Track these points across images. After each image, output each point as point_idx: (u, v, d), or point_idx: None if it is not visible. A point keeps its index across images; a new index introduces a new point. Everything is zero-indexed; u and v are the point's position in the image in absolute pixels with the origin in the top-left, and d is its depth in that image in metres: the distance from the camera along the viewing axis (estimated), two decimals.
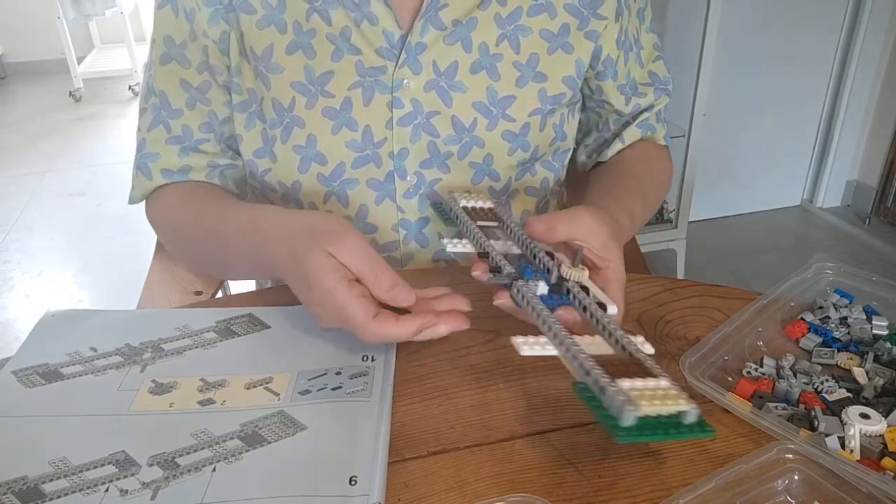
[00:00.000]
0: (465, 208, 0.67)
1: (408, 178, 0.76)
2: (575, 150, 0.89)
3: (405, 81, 0.72)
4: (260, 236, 0.63)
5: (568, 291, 0.56)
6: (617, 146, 0.84)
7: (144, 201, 0.81)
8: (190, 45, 0.73)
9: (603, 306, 0.54)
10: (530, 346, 0.50)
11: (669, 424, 0.44)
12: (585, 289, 0.55)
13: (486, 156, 0.77)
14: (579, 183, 0.91)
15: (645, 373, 0.47)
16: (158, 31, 0.74)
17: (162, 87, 0.75)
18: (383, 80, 0.72)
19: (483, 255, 0.60)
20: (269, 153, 0.75)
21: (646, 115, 0.83)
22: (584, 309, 0.54)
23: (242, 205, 0.76)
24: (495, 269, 0.58)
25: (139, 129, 0.78)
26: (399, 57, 0.71)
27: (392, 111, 0.73)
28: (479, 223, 0.64)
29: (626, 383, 0.45)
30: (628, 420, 0.43)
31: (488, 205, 0.68)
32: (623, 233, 0.66)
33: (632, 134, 0.83)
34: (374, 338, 0.55)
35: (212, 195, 0.77)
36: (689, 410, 0.44)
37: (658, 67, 0.84)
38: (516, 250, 0.62)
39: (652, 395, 0.44)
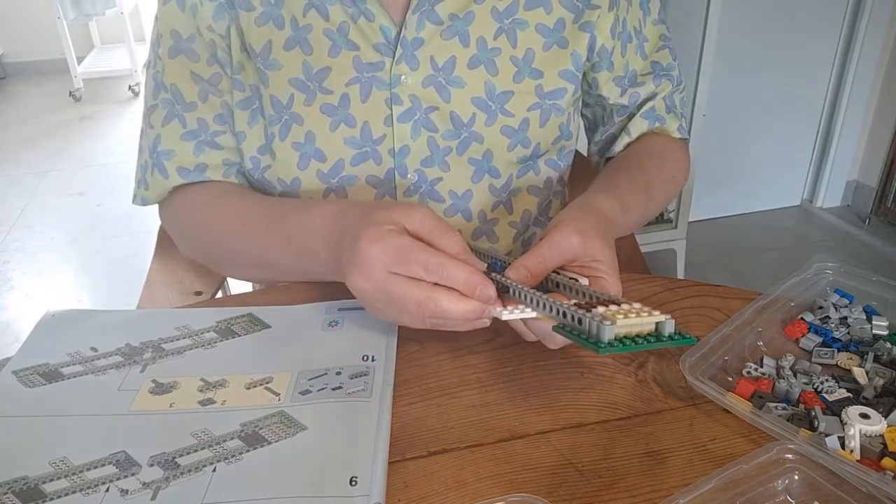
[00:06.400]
0: None
1: (408, 176, 0.76)
2: (587, 149, 0.88)
3: (403, 77, 0.72)
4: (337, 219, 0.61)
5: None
6: (624, 140, 0.82)
7: (158, 204, 0.80)
8: (197, 40, 0.73)
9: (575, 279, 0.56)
10: (510, 312, 0.53)
11: (649, 335, 0.47)
12: (557, 272, 0.58)
13: (486, 152, 0.76)
14: (583, 181, 0.90)
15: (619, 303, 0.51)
16: (165, 25, 0.74)
17: (173, 80, 0.74)
18: (381, 77, 0.72)
19: None
20: (268, 150, 0.75)
21: (650, 104, 0.81)
22: (558, 285, 0.56)
23: (300, 200, 0.72)
24: None
25: (151, 126, 0.76)
26: (395, 53, 0.71)
27: (391, 108, 0.73)
28: None
29: (600, 309, 0.48)
30: (607, 334, 0.46)
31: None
32: (614, 229, 0.64)
33: (638, 126, 0.82)
34: (433, 305, 0.53)
35: (252, 193, 0.76)
36: (666, 321, 0.47)
37: (662, 56, 0.82)
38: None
39: (627, 312, 0.48)
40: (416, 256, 0.53)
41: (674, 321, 0.48)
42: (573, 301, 0.52)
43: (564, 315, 0.50)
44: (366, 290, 0.55)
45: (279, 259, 0.67)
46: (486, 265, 0.60)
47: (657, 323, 0.48)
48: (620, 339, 0.46)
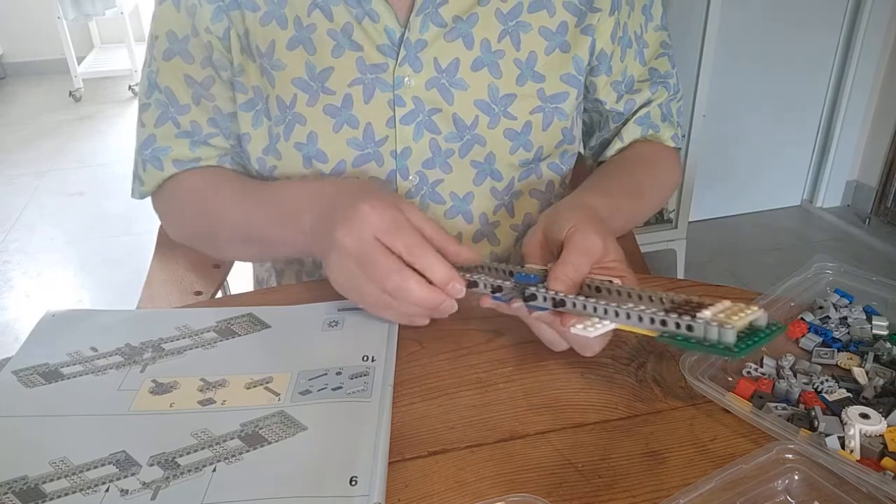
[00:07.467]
0: None
1: (410, 177, 0.76)
2: (581, 154, 0.88)
3: (406, 79, 0.72)
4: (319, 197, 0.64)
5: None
6: (616, 145, 0.82)
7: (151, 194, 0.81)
8: (192, 41, 0.73)
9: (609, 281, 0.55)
10: (584, 327, 0.51)
11: (754, 333, 0.47)
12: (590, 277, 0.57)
13: (488, 154, 0.76)
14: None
15: (701, 305, 0.49)
16: (160, 26, 0.74)
17: (167, 82, 0.75)
18: (384, 78, 0.72)
19: (473, 286, 0.60)
20: (273, 150, 0.75)
21: (644, 110, 0.81)
22: (598, 289, 0.55)
23: (291, 182, 0.75)
24: (496, 290, 0.59)
25: (144, 125, 0.77)
26: (398, 54, 0.71)
27: (394, 109, 0.73)
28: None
29: (705, 313, 0.47)
30: (731, 338, 0.45)
31: None
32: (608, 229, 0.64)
33: (631, 132, 0.82)
34: (401, 282, 0.56)
35: (243, 177, 0.78)
36: (760, 315, 0.47)
37: (660, 63, 0.82)
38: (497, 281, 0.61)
39: (730, 313, 0.47)
40: (404, 234, 0.56)
41: (766, 314, 0.47)
42: (647, 308, 0.50)
43: (664, 323, 0.48)
44: (346, 245, 0.57)
45: (265, 229, 0.69)
46: (511, 284, 0.58)
47: (752, 319, 0.47)
48: (742, 340, 0.46)
